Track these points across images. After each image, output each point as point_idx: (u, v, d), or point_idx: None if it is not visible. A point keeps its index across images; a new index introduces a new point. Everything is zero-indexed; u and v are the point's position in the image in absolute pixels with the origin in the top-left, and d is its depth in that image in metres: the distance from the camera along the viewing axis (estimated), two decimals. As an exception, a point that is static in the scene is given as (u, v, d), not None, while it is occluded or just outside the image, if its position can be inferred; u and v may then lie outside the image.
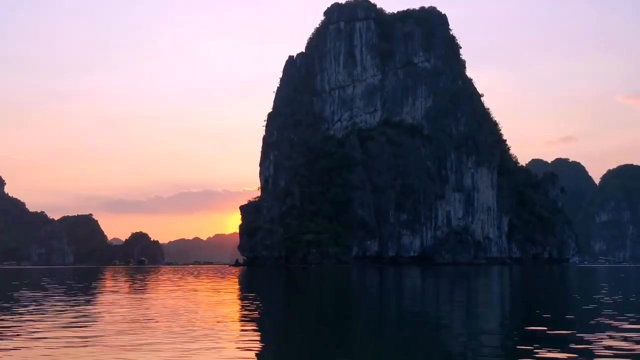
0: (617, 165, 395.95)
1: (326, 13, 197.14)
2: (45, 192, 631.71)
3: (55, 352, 9.63)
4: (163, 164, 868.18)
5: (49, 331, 12.33)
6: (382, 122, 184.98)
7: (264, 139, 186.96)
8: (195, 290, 28.94)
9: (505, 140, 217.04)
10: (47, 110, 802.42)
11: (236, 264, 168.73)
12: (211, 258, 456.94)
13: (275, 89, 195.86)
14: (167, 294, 26.45)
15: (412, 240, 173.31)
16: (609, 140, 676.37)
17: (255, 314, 16.65)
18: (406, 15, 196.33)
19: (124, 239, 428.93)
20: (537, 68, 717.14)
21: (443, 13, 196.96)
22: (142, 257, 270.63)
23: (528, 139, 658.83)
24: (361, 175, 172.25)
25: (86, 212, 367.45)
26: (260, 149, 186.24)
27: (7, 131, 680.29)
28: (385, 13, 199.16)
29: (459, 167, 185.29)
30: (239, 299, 24.12)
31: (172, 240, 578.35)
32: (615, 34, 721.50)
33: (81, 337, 11.32)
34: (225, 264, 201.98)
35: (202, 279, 48.39)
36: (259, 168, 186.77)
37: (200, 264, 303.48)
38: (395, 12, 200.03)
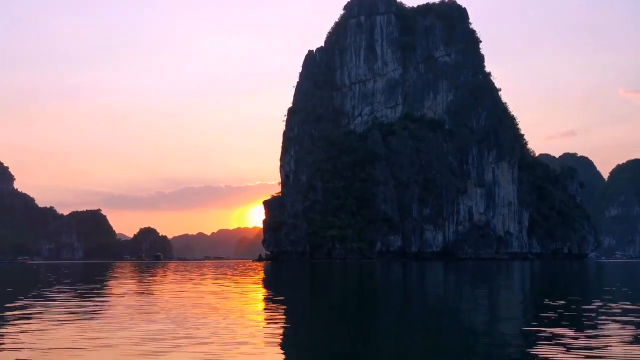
0: (620, 159, 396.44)
1: (346, 7, 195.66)
2: (47, 188, 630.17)
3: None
4: (164, 159, 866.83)
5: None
6: (403, 117, 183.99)
7: (284, 134, 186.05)
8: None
9: (522, 135, 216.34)
10: (49, 107, 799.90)
11: (259, 258, 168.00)
12: (215, 253, 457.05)
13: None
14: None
15: (435, 235, 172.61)
16: (610, 134, 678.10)
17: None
18: (427, 9, 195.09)
19: (127, 234, 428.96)
20: (536, 62, 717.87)
21: (463, 7, 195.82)
22: (158, 253, 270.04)
23: (529, 133, 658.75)
24: (384, 170, 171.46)
25: (86, 208, 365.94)
26: (281, 144, 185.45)
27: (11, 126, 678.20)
28: (405, 7, 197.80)
29: (480, 161, 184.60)
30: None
31: (175, 235, 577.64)
32: (616, 28, 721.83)
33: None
34: (247, 259, 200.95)
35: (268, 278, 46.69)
36: (278, 163, 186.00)
37: (210, 259, 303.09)
38: (415, 6, 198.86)
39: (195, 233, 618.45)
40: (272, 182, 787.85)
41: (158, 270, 63.22)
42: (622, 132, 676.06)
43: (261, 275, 46.93)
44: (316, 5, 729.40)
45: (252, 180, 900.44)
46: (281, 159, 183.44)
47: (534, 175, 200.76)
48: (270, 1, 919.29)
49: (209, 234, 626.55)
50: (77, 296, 21.84)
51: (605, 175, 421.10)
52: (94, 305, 17.66)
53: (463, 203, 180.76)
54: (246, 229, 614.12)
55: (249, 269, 70.12)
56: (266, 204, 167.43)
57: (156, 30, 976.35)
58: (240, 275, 44.38)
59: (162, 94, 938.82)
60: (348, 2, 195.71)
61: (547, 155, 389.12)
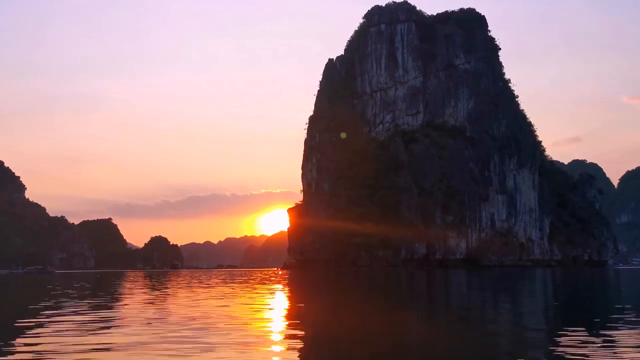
0: (625, 165, 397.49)
1: (366, 16, 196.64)
2: (56, 197, 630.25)
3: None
4: (169, 168, 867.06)
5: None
6: (424, 124, 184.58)
7: (306, 142, 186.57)
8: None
9: (540, 142, 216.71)
10: (59, 116, 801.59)
11: (284, 266, 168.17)
12: (223, 261, 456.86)
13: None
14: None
15: (458, 242, 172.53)
16: (615, 141, 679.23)
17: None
18: (446, 17, 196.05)
19: (134, 243, 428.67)
20: (542, 69, 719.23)
21: (482, 14, 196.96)
22: (175, 262, 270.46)
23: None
24: (407, 178, 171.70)
25: (93, 217, 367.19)
26: (302, 152, 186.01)
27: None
28: (425, 15, 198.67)
29: (501, 168, 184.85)
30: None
31: (183, 244, 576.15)
32: (621, 35, 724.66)
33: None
34: (272, 268, 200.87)
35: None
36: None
37: (223, 267, 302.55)
38: (435, 14, 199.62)
39: (202, 241, 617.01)
40: (276, 190, 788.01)
41: (199, 280, 62.50)
42: (627, 139, 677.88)
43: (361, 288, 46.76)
44: (332, 14, 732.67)
45: (257, 189, 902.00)
46: (303, 167, 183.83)
47: (554, 182, 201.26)
48: (284, 9, 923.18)
49: (216, 242, 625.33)
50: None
51: (613, 181, 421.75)
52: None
53: (485, 210, 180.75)
54: (253, 237, 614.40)
55: (293, 277, 70.13)
56: (290, 212, 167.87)
57: (165, 40, 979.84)
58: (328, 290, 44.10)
59: (166, 102, 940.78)
60: (368, 10, 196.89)
61: (556, 162, 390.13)
